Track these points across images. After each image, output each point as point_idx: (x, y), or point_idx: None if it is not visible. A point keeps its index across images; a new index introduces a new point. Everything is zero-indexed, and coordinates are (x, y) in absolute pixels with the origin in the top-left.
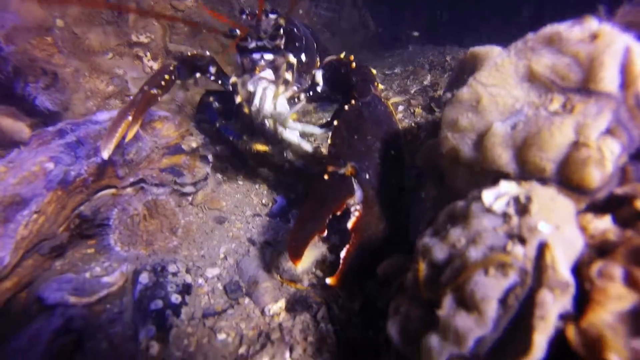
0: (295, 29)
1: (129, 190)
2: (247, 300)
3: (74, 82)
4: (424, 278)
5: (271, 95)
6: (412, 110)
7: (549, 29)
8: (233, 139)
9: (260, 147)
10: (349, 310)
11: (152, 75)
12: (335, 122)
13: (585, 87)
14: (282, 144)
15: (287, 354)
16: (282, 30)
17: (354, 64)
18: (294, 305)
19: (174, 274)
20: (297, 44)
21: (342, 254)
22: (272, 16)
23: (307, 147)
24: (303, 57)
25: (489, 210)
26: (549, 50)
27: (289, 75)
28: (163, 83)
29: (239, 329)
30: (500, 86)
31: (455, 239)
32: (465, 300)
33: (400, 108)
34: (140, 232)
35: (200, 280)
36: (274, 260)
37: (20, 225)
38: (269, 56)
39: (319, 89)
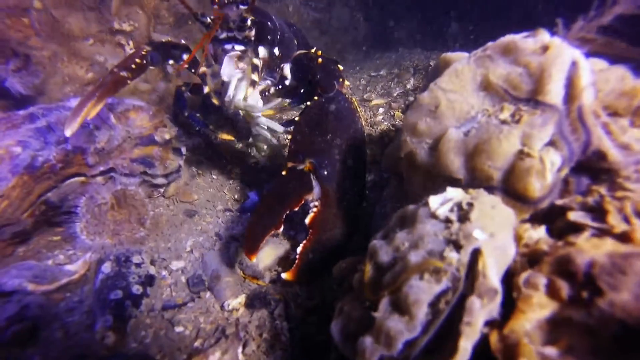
0: (269, 22)
1: (99, 179)
2: (208, 294)
3: (51, 66)
4: (368, 279)
5: (245, 87)
6: (392, 113)
7: (506, 38)
8: (200, 128)
9: (226, 136)
10: (305, 308)
11: (124, 59)
12: (296, 118)
13: (534, 98)
14: (250, 138)
15: (240, 349)
16: (249, 22)
17: (320, 59)
18: (253, 301)
19: (138, 265)
20: (269, 37)
21: (299, 249)
22: (242, 7)
23: (274, 143)
24: (276, 50)
25: (433, 216)
26: (505, 60)
27: (255, 69)
28: (133, 66)
29: (197, 323)
30: (459, 92)
31: (399, 243)
32: (399, 304)
33: (381, 110)
34: (107, 221)
35: (164, 273)
36: (238, 256)
37: None
38: (239, 47)
39: (287, 82)
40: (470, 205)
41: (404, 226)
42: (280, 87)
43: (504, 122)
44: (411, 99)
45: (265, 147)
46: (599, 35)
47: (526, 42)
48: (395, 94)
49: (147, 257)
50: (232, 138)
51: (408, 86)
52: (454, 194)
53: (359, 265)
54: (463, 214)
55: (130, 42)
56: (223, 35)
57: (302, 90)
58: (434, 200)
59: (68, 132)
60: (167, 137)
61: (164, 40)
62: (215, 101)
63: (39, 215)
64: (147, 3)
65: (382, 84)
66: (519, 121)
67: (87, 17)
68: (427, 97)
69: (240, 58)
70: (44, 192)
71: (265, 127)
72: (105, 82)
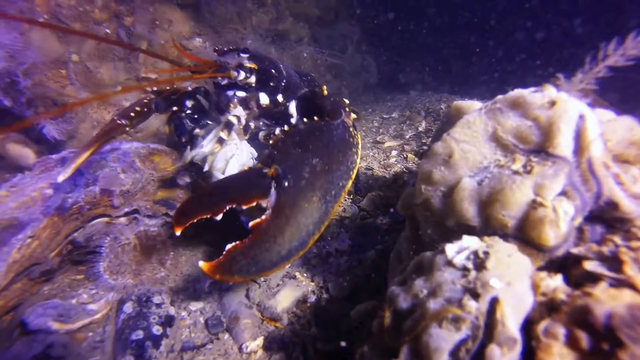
0: (272, 69)
1: (123, 219)
2: (226, 335)
3: (82, 112)
4: (388, 326)
5: (223, 163)
6: (405, 155)
7: (515, 93)
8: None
9: (203, 183)
10: (324, 352)
11: (126, 107)
12: (286, 127)
13: (544, 149)
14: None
15: None
16: (248, 69)
17: (325, 92)
18: (271, 343)
19: (158, 305)
20: (271, 84)
21: (229, 245)
22: (243, 55)
23: None
24: (279, 97)
25: (450, 264)
26: (515, 113)
27: (228, 126)
28: (132, 114)
29: None
30: (471, 143)
31: (418, 290)
32: (420, 351)
33: (394, 152)
34: (129, 261)
35: (184, 313)
36: (257, 297)
37: (14, 248)
38: (241, 93)
39: (292, 120)
40: (487, 253)
41: (421, 273)
42: (285, 126)
43: (516, 172)
44: (424, 141)
45: None
46: (597, 85)
47: (534, 96)
48: (407, 137)
49: (167, 297)
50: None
51: (420, 129)
52: (470, 242)
53: (378, 311)
54: (480, 262)
55: (155, 89)
56: (225, 82)
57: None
58: (450, 249)
59: (60, 178)
60: (187, 180)
61: (167, 87)
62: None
63: (66, 254)
64: (170, 52)
65: (395, 127)
66: (531, 172)
67: (117, 66)
68: (441, 147)
69: (242, 103)
70: (71, 232)
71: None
72: (102, 130)
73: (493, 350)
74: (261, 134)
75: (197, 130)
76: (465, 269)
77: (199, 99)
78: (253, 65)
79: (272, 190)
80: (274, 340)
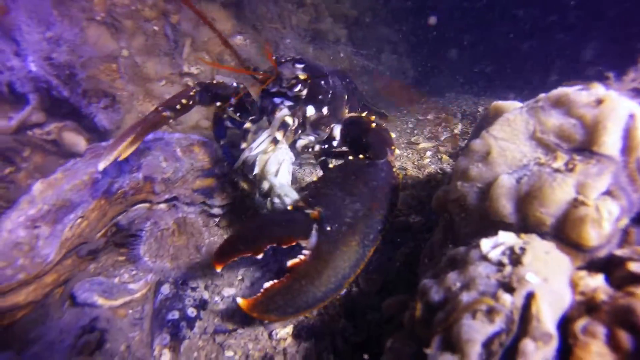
0: (322, 82)
1: (163, 206)
2: (257, 322)
3: (129, 104)
4: (419, 317)
5: (275, 166)
6: (439, 157)
7: (559, 91)
8: (228, 163)
9: (246, 185)
10: (353, 343)
11: (171, 97)
12: (331, 165)
13: (588, 148)
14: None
15: None
16: (302, 81)
17: (373, 124)
18: (301, 332)
19: (193, 289)
20: (320, 97)
21: (266, 285)
22: (299, 66)
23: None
24: (325, 110)
25: (485, 258)
26: (558, 111)
27: (283, 127)
28: (178, 107)
29: (246, 349)
30: (510, 141)
31: (451, 283)
32: (451, 342)
33: (429, 154)
34: (168, 246)
35: (217, 298)
36: None
37: (66, 227)
38: (288, 103)
39: (334, 143)
40: (523, 249)
41: (454, 267)
42: (326, 146)
43: (557, 170)
44: (459, 143)
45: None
46: None
47: (580, 94)
48: (442, 138)
49: (202, 282)
50: (249, 189)
51: (456, 131)
52: (506, 238)
53: (410, 303)
54: (515, 257)
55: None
56: (274, 90)
57: (349, 156)
58: (485, 244)
59: (100, 166)
60: (225, 171)
61: (214, 81)
62: (241, 161)
63: (110, 236)
64: (212, 49)
65: (430, 128)
66: (573, 170)
67: (162, 61)
68: (479, 144)
69: (290, 113)
70: (116, 215)
71: (278, 195)
72: (146, 120)
73: (527, 344)
74: (300, 143)
75: (247, 125)
76: (500, 264)
77: (246, 95)
78: (306, 78)
79: (314, 232)
80: (304, 330)
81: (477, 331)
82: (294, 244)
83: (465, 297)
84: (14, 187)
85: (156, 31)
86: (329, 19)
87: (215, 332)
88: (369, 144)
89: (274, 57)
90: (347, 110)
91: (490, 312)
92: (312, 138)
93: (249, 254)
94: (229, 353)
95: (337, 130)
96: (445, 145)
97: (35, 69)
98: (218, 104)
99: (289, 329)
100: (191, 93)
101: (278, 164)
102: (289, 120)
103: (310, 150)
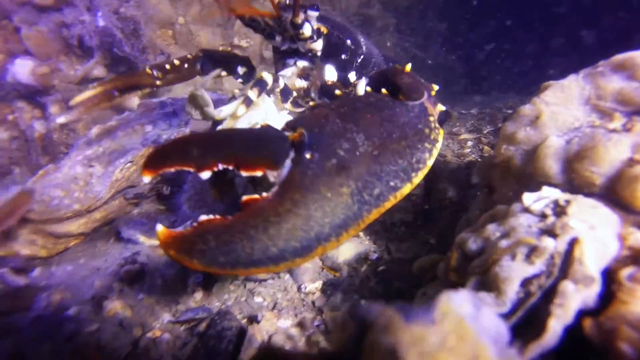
0: (347, 40)
1: None
2: (287, 276)
3: None
4: (454, 265)
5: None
6: (480, 147)
7: (623, 55)
8: None
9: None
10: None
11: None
12: (337, 92)
13: None
14: None
15: (311, 327)
16: (312, 30)
17: (408, 68)
18: (329, 287)
19: None
20: (343, 56)
21: (202, 217)
22: (312, 13)
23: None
24: (352, 75)
25: (527, 210)
26: (620, 75)
27: (285, 94)
28: (167, 66)
29: (275, 297)
30: (563, 105)
31: (490, 232)
32: (488, 282)
33: (470, 144)
34: (206, 198)
35: None
36: None
37: (117, 169)
38: (303, 63)
39: None
40: (568, 202)
41: (493, 221)
42: None
43: (612, 130)
44: None
45: None
46: None
47: None
48: (485, 131)
49: None
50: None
51: (500, 125)
52: (550, 192)
53: (443, 258)
54: (560, 209)
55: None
56: (285, 47)
57: None
58: (528, 197)
59: (60, 120)
60: None
61: (220, 49)
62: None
63: (155, 184)
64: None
65: (472, 122)
66: (631, 130)
67: (215, 32)
68: (529, 109)
69: (302, 75)
70: None
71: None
72: (126, 75)
73: (567, 285)
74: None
75: (234, 91)
76: (543, 215)
77: (253, 68)
78: (322, 28)
79: (287, 161)
80: (333, 286)
81: (515, 270)
82: (258, 173)
83: (504, 242)
84: (73, 135)
85: (211, 2)
86: (378, 5)
87: (246, 279)
88: (400, 84)
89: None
90: None
91: (531, 254)
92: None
93: (191, 168)
94: (258, 299)
95: (361, 86)
96: (488, 137)
97: (103, 23)
98: (223, 74)
99: (318, 284)
100: (189, 56)
101: (248, 124)
102: (267, 77)
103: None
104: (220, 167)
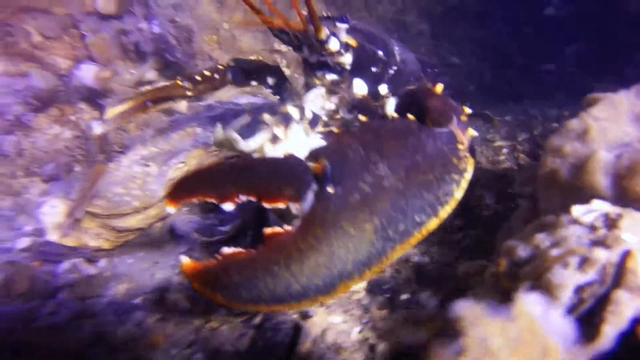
0: (379, 50)
1: None
2: None
3: None
4: (504, 272)
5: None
6: (516, 155)
7: None
8: None
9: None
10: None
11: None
12: (361, 117)
13: None
14: None
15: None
16: (340, 44)
17: (439, 89)
18: (374, 288)
19: None
20: (374, 69)
21: (226, 250)
22: (341, 25)
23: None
24: (382, 88)
25: (576, 221)
26: None
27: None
28: (198, 77)
29: None
30: (612, 121)
31: (539, 241)
32: (541, 288)
33: (505, 151)
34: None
35: None
36: None
37: (171, 169)
38: (331, 76)
39: None
40: (620, 215)
41: (541, 231)
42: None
43: None
44: (539, 143)
45: None
46: None
47: None
48: (520, 139)
49: None
50: None
51: (535, 132)
52: (600, 205)
53: (489, 265)
54: (611, 222)
55: (284, 61)
56: (313, 59)
57: None
58: (577, 209)
59: (96, 130)
60: None
61: (251, 58)
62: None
63: None
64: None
65: (507, 129)
66: None
67: (256, 37)
68: (576, 124)
69: (330, 91)
70: None
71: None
72: (160, 87)
73: (621, 294)
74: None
75: (265, 115)
76: (593, 227)
77: (284, 78)
78: (351, 42)
79: (309, 193)
80: (377, 286)
81: (568, 278)
82: (280, 204)
83: (555, 251)
84: (126, 135)
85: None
86: (414, 12)
87: None
88: (429, 107)
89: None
90: None
91: (584, 264)
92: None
93: (213, 200)
94: None
95: (390, 105)
96: (523, 145)
97: (159, 31)
98: (254, 83)
99: (364, 284)
100: (219, 66)
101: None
102: (293, 111)
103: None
104: (243, 198)
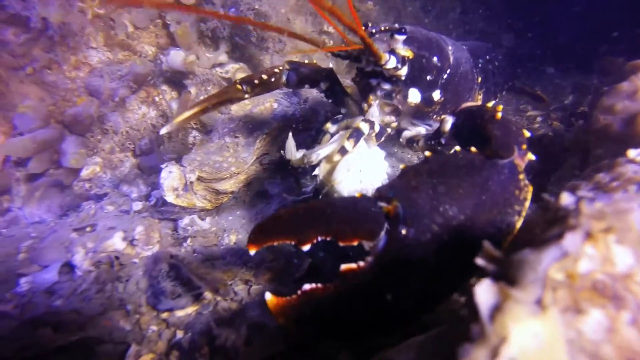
0: (435, 56)
1: None
2: None
3: (282, 55)
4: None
5: (343, 173)
6: (549, 123)
7: None
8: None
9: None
10: None
11: (253, 74)
12: (427, 153)
13: None
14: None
15: None
16: (399, 59)
17: (499, 114)
18: None
19: None
20: (428, 77)
21: (306, 286)
22: (399, 37)
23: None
24: (437, 95)
25: (632, 161)
26: None
27: (355, 135)
28: (256, 81)
29: None
30: None
31: (599, 179)
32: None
33: (539, 119)
34: None
35: None
36: None
37: (257, 139)
38: (386, 86)
39: (443, 140)
40: None
41: (600, 172)
42: (433, 142)
43: None
44: (570, 111)
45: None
46: None
47: None
48: (552, 108)
49: None
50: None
51: (566, 102)
52: None
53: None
54: None
55: (331, 42)
56: (369, 69)
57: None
58: (632, 152)
59: (163, 131)
60: None
61: (306, 61)
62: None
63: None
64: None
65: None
66: None
67: (307, 19)
68: (626, 85)
69: (385, 97)
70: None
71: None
72: (220, 92)
73: None
74: (406, 134)
75: (327, 125)
76: None
77: (337, 82)
78: (408, 53)
79: (383, 234)
80: None
81: (632, 200)
82: (355, 243)
83: (615, 183)
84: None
85: None
86: None
87: None
88: (490, 136)
89: (364, 28)
90: (480, 96)
91: None
92: (422, 129)
93: (292, 242)
94: None
95: (448, 123)
96: (557, 113)
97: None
98: (307, 86)
99: None
100: (276, 70)
101: (347, 170)
102: (364, 127)
103: (415, 145)
104: (320, 239)
